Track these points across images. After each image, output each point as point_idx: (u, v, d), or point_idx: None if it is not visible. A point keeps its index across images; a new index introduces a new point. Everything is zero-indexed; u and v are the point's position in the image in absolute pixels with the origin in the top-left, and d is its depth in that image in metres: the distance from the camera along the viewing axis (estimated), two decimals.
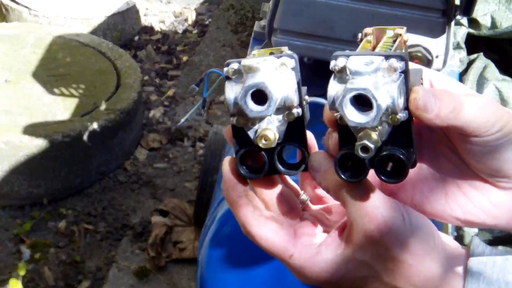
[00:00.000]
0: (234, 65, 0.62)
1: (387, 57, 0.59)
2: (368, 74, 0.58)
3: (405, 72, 0.59)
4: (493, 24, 1.96)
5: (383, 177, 0.60)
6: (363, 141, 0.58)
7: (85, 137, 2.67)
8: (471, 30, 1.97)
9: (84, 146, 2.68)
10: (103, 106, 2.80)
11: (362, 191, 0.62)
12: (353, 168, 0.61)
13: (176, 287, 2.44)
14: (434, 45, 1.53)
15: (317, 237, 0.65)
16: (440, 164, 0.67)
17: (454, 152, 0.66)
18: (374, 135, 0.59)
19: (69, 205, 2.72)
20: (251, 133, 0.63)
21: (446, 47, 1.56)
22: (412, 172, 0.67)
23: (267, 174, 0.65)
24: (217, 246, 1.39)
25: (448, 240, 0.65)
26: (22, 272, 2.40)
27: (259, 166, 0.65)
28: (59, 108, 2.78)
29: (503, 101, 1.74)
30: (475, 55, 1.90)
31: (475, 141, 0.61)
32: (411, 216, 0.63)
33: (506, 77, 1.82)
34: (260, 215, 0.65)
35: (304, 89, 0.64)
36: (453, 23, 1.57)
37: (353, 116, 0.58)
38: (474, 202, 0.66)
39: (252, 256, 1.35)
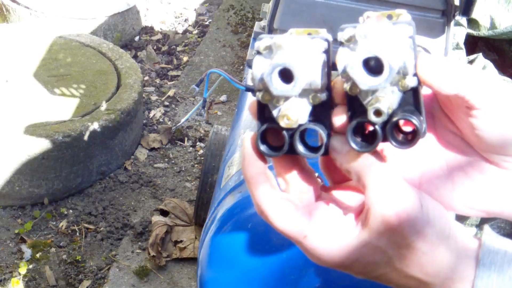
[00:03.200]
0: (266, 41, 0.61)
1: (395, 23, 0.60)
2: (378, 38, 0.59)
3: (413, 38, 0.60)
4: (492, 25, 1.96)
5: (394, 143, 0.60)
6: (375, 105, 0.58)
7: (85, 137, 2.67)
8: (471, 31, 1.97)
9: (85, 146, 2.68)
10: (103, 106, 2.80)
11: (384, 176, 0.62)
12: (364, 141, 0.61)
13: (176, 286, 2.44)
14: (434, 45, 1.53)
15: (333, 219, 0.64)
16: (443, 143, 0.67)
17: (456, 133, 0.66)
18: (386, 101, 0.59)
19: (70, 205, 2.73)
20: (274, 111, 0.62)
21: (445, 48, 1.56)
22: (419, 159, 0.67)
23: (286, 154, 0.64)
24: (217, 246, 1.39)
25: (460, 229, 0.65)
26: (23, 272, 2.41)
27: (279, 145, 0.64)
28: (60, 108, 2.78)
29: None
30: (474, 56, 1.91)
31: (479, 115, 0.61)
32: (428, 204, 0.62)
33: (505, 78, 1.82)
34: (276, 195, 0.64)
35: (334, 73, 0.63)
36: (452, 23, 1.58)
37: (364, 79, 0.58)
38: (480, 186, 0.66)
39: (253, 256, 1.35)
